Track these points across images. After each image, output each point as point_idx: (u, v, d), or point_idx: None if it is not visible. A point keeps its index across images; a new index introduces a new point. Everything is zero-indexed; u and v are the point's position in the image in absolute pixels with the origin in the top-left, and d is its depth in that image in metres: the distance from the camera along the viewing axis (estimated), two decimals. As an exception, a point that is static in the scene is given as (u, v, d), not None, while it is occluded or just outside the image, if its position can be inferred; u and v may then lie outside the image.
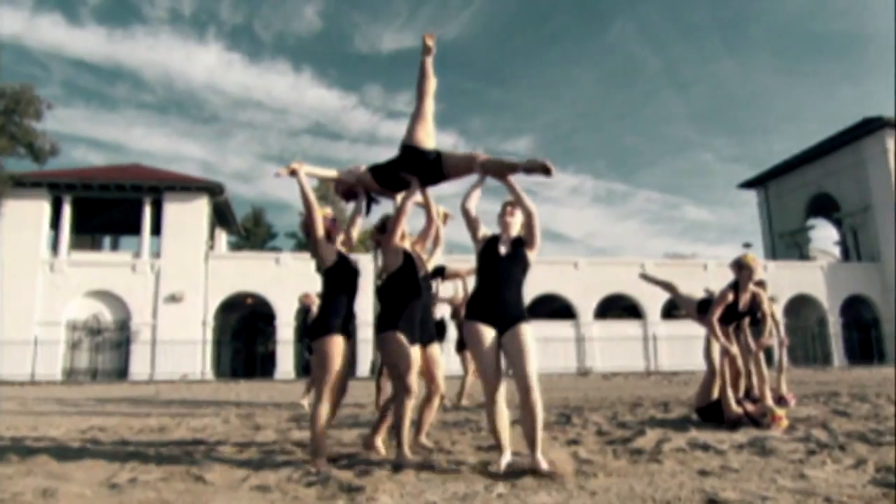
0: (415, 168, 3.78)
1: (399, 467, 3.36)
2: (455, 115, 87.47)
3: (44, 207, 24.41)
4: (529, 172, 3.61)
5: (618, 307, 30.68)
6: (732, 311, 5.60)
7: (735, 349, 5.59)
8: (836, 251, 35.60)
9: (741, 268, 5.56)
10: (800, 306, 29.29)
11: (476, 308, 3.52)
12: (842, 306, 29.27)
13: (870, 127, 29.62)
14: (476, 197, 3.75)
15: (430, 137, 3.84)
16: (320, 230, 3.62)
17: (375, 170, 3.92)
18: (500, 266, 3.53)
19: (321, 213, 3.68)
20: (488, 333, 3.43)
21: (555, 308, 28.80)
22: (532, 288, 26.55)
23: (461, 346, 8.46)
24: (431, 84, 3.99)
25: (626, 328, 27.33)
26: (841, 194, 31.99)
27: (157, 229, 25.21)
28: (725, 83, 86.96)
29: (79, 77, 76.26)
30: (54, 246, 24.52)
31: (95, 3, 74.41)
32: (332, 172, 3.95)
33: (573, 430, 5.04)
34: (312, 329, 3.58)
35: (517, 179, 3.64)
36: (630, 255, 37.97)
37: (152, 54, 71.62)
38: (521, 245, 3.61)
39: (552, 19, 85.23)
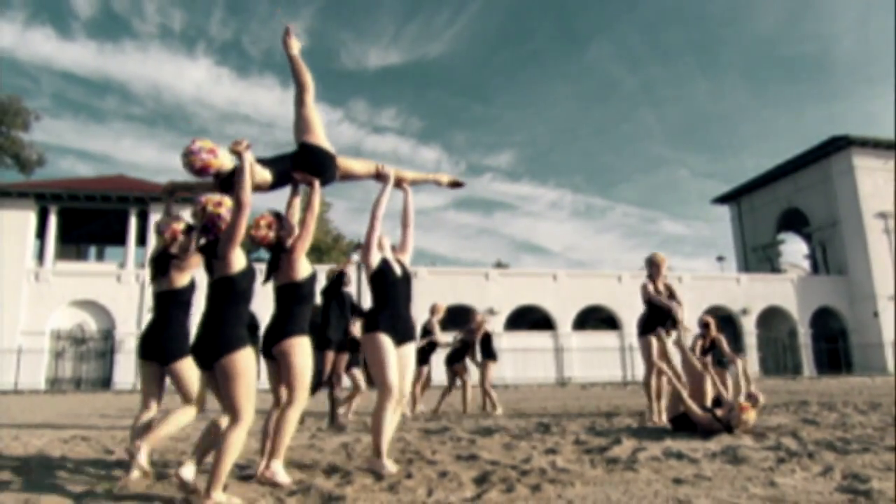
0: (313, 169, 3.58)
1: (379, 477, 3.38)
2: (438, 129, 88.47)
3: (30, 217, 24.30)
4: (438, 185, 4.00)
5: (596, 318, 31.19)
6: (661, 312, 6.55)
7: (696, 363, 6.00)
8: (806, 264, 36.46)
9: (651, 264, 6.74)
10: (771, 318, 30.02)
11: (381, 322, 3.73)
12: (811, 318, 30.04)
13: (837, 145, 30.61)
14: (385, 206, 3.86)
15: (323, 136, 3.67)
16: (243, 230, 3.09)
17: (277, 169, 3.49)
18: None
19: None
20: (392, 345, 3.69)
21: (534, 319, 29.15)
22: (512, 299, 27.04)
23: (452, 360, 9.02)
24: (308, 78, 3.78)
25: (604, 339, 27.73)
26: (810, 210, 32.94)
27: (142, 240, 25.22)
28: (699, 102, 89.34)
29: (68, 89, 76.16)
30: (40, 256, 24.40)
31: (87, 17, 74.37)
32: (250, 160, 3.21)
33: (551, 439, 5.06)
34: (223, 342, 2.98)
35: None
36: (608, 268, 38.64)
37: (142, 68, 71.75)
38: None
39: (532, 39, 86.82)
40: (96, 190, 24.86)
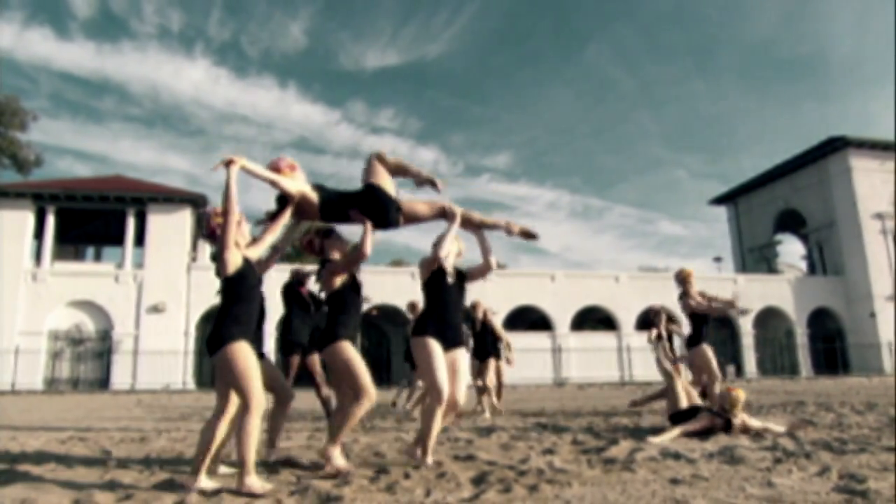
0: (372, 211, 3.68)
1: (377, 477, 3.42)
2: (436, 130, 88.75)
3: (27, 218, 24.32)
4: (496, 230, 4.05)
5: (593, 319, 31.23)
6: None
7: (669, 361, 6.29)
8: (803, 265, 36.54)
9: (683, 280, 6.94)
10: (768, 318, 30.10)
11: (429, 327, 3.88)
12: (808, 318, 30.12)
13: (834, 146, 30.70)
14: (449, 244, 3.91)
15: (390, 184, 3.80)
16: (233, 235, 3.26)
17: (326, 194, 3.69)
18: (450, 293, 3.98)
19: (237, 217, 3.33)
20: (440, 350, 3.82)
21: (532, 320, 29.19)
22: (510, 300, 27.04)
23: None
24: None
25: (602, 339, 27.78)
26: (807, 210, 33.02)
27: (140, 240, 25.18)
28: (696, 103, 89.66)
29: (66, 90, 76.30)
30: (37, 256, 24.43)
31: (85, 17, 74.44)
32: (271, 174, 3.48)
33: (549, 440, 5.07)
34: (212, 340, 3.22)
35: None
36: (605, 269, 38.70)
37: (140, 69, 71.88)
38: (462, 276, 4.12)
39: (530, 40, 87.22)
40: (94, 190, 24.86)
